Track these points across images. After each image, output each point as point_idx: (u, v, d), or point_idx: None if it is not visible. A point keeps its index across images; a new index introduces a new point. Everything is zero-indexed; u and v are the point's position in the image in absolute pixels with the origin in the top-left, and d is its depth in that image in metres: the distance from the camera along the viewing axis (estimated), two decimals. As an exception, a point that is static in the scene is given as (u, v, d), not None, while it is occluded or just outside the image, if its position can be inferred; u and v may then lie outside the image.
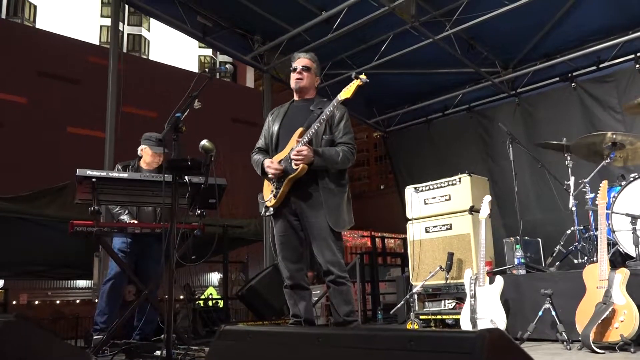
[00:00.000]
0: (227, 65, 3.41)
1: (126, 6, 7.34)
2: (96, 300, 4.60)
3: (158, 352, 3.49)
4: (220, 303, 7.33)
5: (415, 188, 5.46)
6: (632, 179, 4.30)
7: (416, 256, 5.25)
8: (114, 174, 3.64)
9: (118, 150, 6.02)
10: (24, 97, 24.52)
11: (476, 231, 4.65)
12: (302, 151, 3.25)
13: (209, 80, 3.18)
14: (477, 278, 4.14)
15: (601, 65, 7.29)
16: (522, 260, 4.56)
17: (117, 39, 6.74)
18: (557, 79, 7.73)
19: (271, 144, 3.57)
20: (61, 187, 6.01)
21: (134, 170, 4.49)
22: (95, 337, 4.07)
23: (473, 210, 4.90)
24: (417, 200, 5.39)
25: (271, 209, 3.43)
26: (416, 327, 4.87)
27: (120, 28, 6.78)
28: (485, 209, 4.35)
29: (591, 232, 4.49)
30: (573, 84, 7.46)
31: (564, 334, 3.62)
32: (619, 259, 4.23)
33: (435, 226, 5.16)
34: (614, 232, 4.23)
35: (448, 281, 4.86)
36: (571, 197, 4.67)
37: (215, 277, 23.55)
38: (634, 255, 3.96)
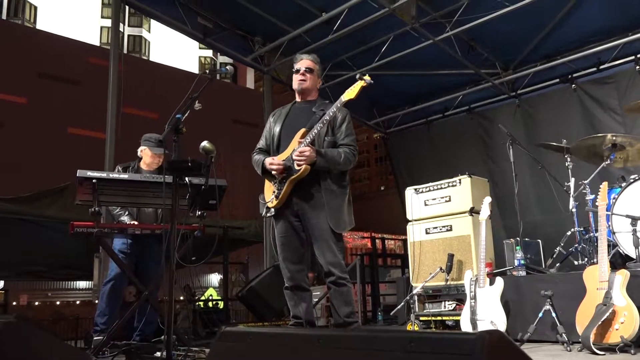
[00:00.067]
0: (227, 67, 3.39)
1: (127, 7, 7.35)
2: (96, 301, 4.60)
3: (158, 353, 3.49)
4: (221, 304, 7.32)
5: (415, 189, 5.46)
6: (632, 180, 4.31)
7: (416, 257, 5.25)
8: (115, 175, 3.64)
9: (118, 151, 6.02)
10: (25, 98, 24.53)
11: (476, 232, 4.65)
12: (305, 152, 3.25)
13: (210, 82, 3.18)
14: (477, 279, 4.14)
15: (601, 67, 7.29)
16: (522, 262, 4.56)
17: (117, 40, 6.75)
18: (558, 80, 7.74)
19: (272, 145, 3.57)
20: (62, 188, 6.02)
21: (134, 172, 4.50)
22: (95, 338, 4.07)
23: (473, 211, 4.90)
24: (417, 201, 5.39)
25: (272, 209, 3.43)
26: (416, 328, 4.87)
27: (121, 29, 6.79)
28: (485, 210, 4.35)
29: (591, 234, 4.49)
30: (573, 86, 7.47)
31: (564, 335, 3.62)
32: (619, 261, 4.23)
33: (436, 227, 5.16)
34: (614, 233, 4.23)
35: (448, 282, 4.86)
36: (571, 199, 4.67)
37: (215, 278, 23.55)
38: (634, 256, 3.96)
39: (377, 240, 11.14)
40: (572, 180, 4.72)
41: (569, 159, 4.85)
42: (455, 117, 8.95)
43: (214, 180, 3.16)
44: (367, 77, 3.31)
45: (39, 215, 5.86)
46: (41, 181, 12.20)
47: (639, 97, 5.38)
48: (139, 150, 4.65)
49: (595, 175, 4.60)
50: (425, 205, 5.32)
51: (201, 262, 3.68)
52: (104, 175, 3.53)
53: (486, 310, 4.00)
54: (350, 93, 3.33)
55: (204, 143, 3.05)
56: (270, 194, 3.45)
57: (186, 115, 3.06)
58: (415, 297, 4.96)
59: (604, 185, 3.79)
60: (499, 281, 4.09)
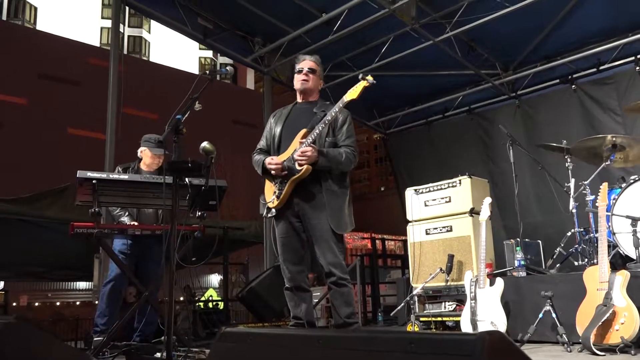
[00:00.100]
0: (227, 68, 3.39)
1: (127, 8, 7.35)
2: (96, 302, 4.60)
3: (158, 354, 3.49)
4: (221, 305, 7.32)
5: (415, 190, 5.47)
6: (632, 181, 4.31)
7: (416, 258, 5.25)
8: (115, 176, 3.64)
9: (118, 152, 6.03)
10: (25, 99, 24.53)
11: (476, 233, 4.65)
12: (306, 152, 3.25)
13: (210, 83, 3.19)
14: (477, 280, 4.15)
15: (601, 67, 7.29)
16: (522, 262, 4.56)
17: (117, 41, 6.75)
18: (557, 81, 7.74)
19: (273, 146, 3.57)
20: (62, 188, 6.02)
21: (134, 172, 4.50)
22: (95, 338, 4.07)
23: (473, 212, 4.90)
24: (417, 202, 5.39)
25: (273, 210, 3.43)
26: (416, 329, 4.87)
27: (121, 30, 6.78)
28: (485, 211, 4.35)
29: (591, 234, 4.49)
30: (573, 86, 7.47)
31: (564, 336, 3.62)
32: (619, 261, 4.23)
33: (436, 228, 5.17)
34: (614, 234, 4.23)
35: (448, 283, 4.87)
36: (571, 199, 4.67)
37: (215, 279, 23.55)
38: (634, 257, 3.96)
39: (377, 241, 11.14)
40: (572, 180, 4.72)
41: (569, 160, 4.85)
42: (455, 117, 8.95)
43: (214, 181, 3.16)
44: (369, 77, 3.32)
45: (39, 216, 5.85)
46: (41, 182, 12.20)
47: (638, 98, 5.39)
48: (139, 151, 4.66)
49: (596, 176, 4.60)
50: (426, 205, 5.32)
51: (201, 263, 3.69)
52: (104, 176, 3.53)
53: (486, 311, 4.00)
54: (353, 93, 3.34)
55: (204, 144, 3.06)
56: (270, 194, 3.45)
57: (186, 116, 3.06)
58: (416, 298, 4.96)
59: (604, 186, 3.79)
60: (499, 282, 4.09)
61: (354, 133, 3.56)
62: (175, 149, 3.04)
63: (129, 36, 47.38)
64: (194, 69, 45.72)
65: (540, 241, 5.33)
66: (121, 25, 6.86)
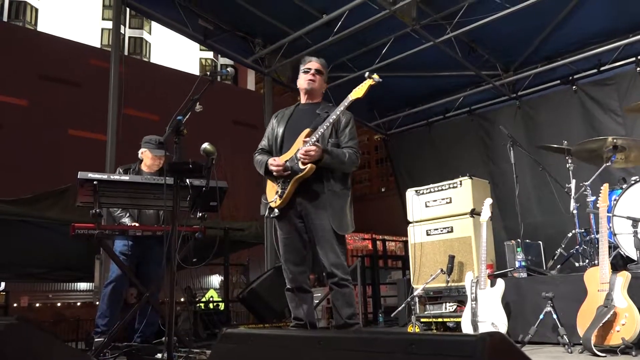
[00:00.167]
0: (228, 69, 3.39)
1: (127, 9, 7.35)
2: (97, 303, 4.60)
3: (159, 355, 3.49)
4: (221, 306, 7.31)
5: (416, 191, 5.47)
6: (633, 182, 4.31)
7: (417, 259, 5.25)
8: (116, 177, 3.65)
9: (119, 153, 6.03)
10: (25, 100, 24.55)
11: (477, 234, 4.65)
12: (310, 151, 3.26)
13: (211, 84, 3.19)
14: (478, 281, 4.14)
15: (602, 68, 7.29)
16: (523, 263, 4.56)
17: (118, 42, 6.76)
18: (558, 81, 7.74)
19: (275, 146, 3.58)
20: (63, 189, 6.03)
21: (135, 173, 4.51)
22: (96, 339, 4.07)
23: (474, 213, 4.90)
24: (418, 203, 5.39)
25: (276, 210, 3.43)
26: (417, 330, 4.87)
27: (122, 31, 6.79)
28: (486, 212, 4.35)
29: (592, 235, 4.49)
30: (574, 87, 7.47)
31: (565, 337, 3.62)
32: (620, 262, 4.23)
33: (437, 229, 5.17)
34: (615, 235, 4.23)
35: (449, 284, 4.87)
36: (572, 200, 4.66)
37: (216, 280, 23.55)
38: (635, 258, 3.96)
39: (377, 242, 11.13)
40: (573, 181, 4.72)
41: (569, 161, 4.85)
42: (456, 118, 8.95)
43: (214, 181, 3.17)
44: (375, 76, 3.34)
45: (40, 216, 5.86)
46: (42, 183, 12.21)
47: (639, 99, 5.38)
48: (139, 152, 4.66)
49: (596, 176, 4.60)
50: (426, 206, 5.32)
51: (202, 264, 3.69)
52: (104, 177, 3.54)
53: (487, 312, 4.00)
54: (358, 92, 3.36)
55: (205, 145, 3.06)
56: (273, 194, 3.44)
57: (187, 117, 3.07)
58: (416, 299, 4.96)
59: (605, 187, 3.78)
60: (500, 283, 4.09)
61: (356, 136, 3.57)
62: (176, 150, 3.05)
63: (129, 37, 47.40)
64: (195, 70, 45.76)
65: (541, 242, 5.33)
66: (122, 27, 6.86)
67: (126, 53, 40.80)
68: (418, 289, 4.98)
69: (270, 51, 7.76)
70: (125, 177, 3.72)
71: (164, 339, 3.09)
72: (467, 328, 4.10)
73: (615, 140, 4.48)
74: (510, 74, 8.00)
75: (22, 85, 24.12)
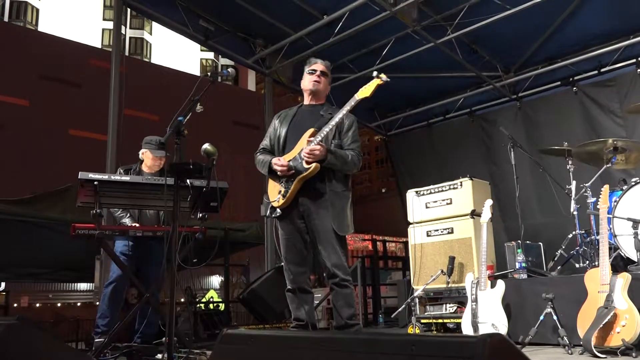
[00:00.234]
0: (229, 69, 3.40)
1: (128, 10, 7.36)
2: (97, 303, 4.60)
3: (159, 355, 3.50)
4: (222, 306, 7.31)
5: (416, 192, 5.47)
6: (633, 183, 4.31)
7: (417, 260, 5.25)
8: (116, 177, 3.65)
9: (120, 154, 6.03)
10: (26, 100, 24.55)
11: (477, 235, 4.66)
12: (315, 150, 3.27)
13: (211, 84, 3.19)
14: (478, 282, 4.15)
15: (602, 70, 7.29)
16: (523, 265, 4.56)
17: (119, 42, 6.76)
18: (559, 83, 7.75)
19: (278, 146, 3.58)
20: (63, 189, 6.02)
21: (136, 174, 4.52)
22: (96, 340, 4.07)
23: (474, 214, 4.91)
24: (418, 204, 5.39)
25: (278, 210, 3.43)
26: (417, 331, 4.87)
27: (122, 31, 6.78)
28: (486, 213, 4.36)
29: (592, 237, 4.49)
30: (574, 88, 7.47)
31: (565, 338, 3.62)
32: (620, 264, 4.23)
33: (437, 230, 5.17)
34: (615, 236, 4.23)
35: (449, 285, 4.87)
36: (572, 201, 4.67)
37: (216, 280, 23.55)
38: (635, 259, 3.96)
39: (378, 243, 11.14)
40: (574, 183, 4.73)
41: (570, 162, 4.85)
42: (457, 119, 8.95)
43: (215, 182, 3.17)
44: (383, 76, 3.34)
45: (41, 217, 5.85)
46: (42, 183, 12.22)
47: (639, 100, 5.39)
48: (140, 152, 4.66)
49: (597, 178, 4.60)
50: (427, 207, 5.32)
51: (202, 265, 3.69)
52: (105, 177, 3.54)
53: (487, 313, 4.00)
54: (365, 91, 3.37)
55: (206, 145, 3.06)
56: (275, 193, 3.45)
57: (188, 117, 3.07)
58: (417, 300, 4.96)
59: (605, 188, 3.79)
60: (500, 284, 4.10)
61: (359, 139, 3.59)
62: (176, 151, 3.05)
63: (130, 38, 47.40)
64: (195, 71, 45.75)
65: (541, 243, 5.33)
66: (122, 27, 6.86)
67: (127, 53, 40.78)
68: (418, 289, 4.99)
69: (271, 52, 7.76)
70: (126, 178, 3.72)
71: (164, 339, 3.09)
72: (467, 329, 4.10)
73: (615, 142, 4.48)
74: (510, 75, 8.00)
75: (23, 85, 24.11)
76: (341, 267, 3.34)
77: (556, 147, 4.99)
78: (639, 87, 6.85)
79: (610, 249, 3.88)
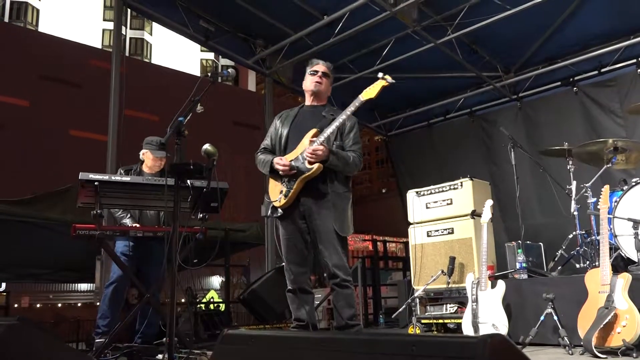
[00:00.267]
0: (229, 70, 3.40)
1: (128, 10, 7.36)
2: (98, 304, 4.60)
3: (160, 356, 3.50)
4: (222, 306, 7.32)
5: (416, 192, 5.47)
6: (633, 183, 4.31)
7: (418, 260, 5.25)
8: (117, 178, 3.65)
9: (120, 154, 6.03)
10: (26, 100, 24.55)
11: (478, 235, 4.66)
12: (318, 150, 3.28)
13: (212, 85, 3.20)
14: (479, 282, 4.15)
15: (603, 70, 7.29)
16: (523, 265, 4.56)
17: (119, 43, 6.76)
18: (559, 83, 7.75)
19: (279, 146, 3.59)
20: (64, 190, 6.02)
21: (137, 174, 4.52)
22: (97, 340, 4.07)
23: (475, 214, 4.90)
24: (418, 204, 5.39)
25: (280, 210, 3.43)
26: (418, 331, 4.87)
27: (123, 32, 6.78)
28: (487, 213, 4.36)
29: (593, 237, 4.49)
30: (575, 89, 7.47)
31: (566, 338, 3.62)
32: (621, 264, 4.24)
33: (437, 230, 5.17)
34: (615, 236, 4.23)
35: (450, 285, 4.87)
36: (573, 202, 4.67)
37: (216, 281, 23.54)
38: (636, 259, 3.96)
39: (378, 243, 11.14)
40: (574, 183, 4.73)
41: (570, 162, 4.85)
42: (457, 120, 8.95)
43: (215, 182, 3.17)
44: (388, 77, 3.35)
45: (41, 217, 5.85)
46: (43, 183, 12.20)
47: (640, 100, 5.38)
48: (141, 153, 4.67)
49: (597, 178, 4.60)
50: (427, 208, 5.32)
51: (203, 265, 3.69)
52: (106, 177, 3.54)
53: (488, 313, 4.00)
54: (370, 92, 3.38)
55: (206, 146, 3.07)
56: (277, 193, 3.45)
57: (188, 118, 3.07)
58: (417, 300, 4.96)
59: (606, 189, 3.79)
60: (501, 284, 4.10)
61: (360, 141, 3.60)
62: (177, 151, 3.05)
63: (130, 38, 47.40)
64: (196, 71, 45.73)
65: (541, 243, 5.33)
66: (123, 27, 6.86)
67: (127, 54, 40.80)
68: (419, 290, 4.98)
69: (271, 52, 7.76)
70: (127, 178, 3.73)
71: (164, 339, 3.09)
72: (467, 329, 4.10)
73: (615, 142, 4.49)
74: (511, 76, 8.00)
75: (23, 86, 24.11)
76: (342, 268, 3.35)
77: (557, 147, 4.98)
78: (639, 87, 6.85)
79: (610, 249, 3.88)
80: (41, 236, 6.25)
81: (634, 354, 3.16)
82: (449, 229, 5.10)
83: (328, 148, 3.32)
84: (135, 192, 3.69)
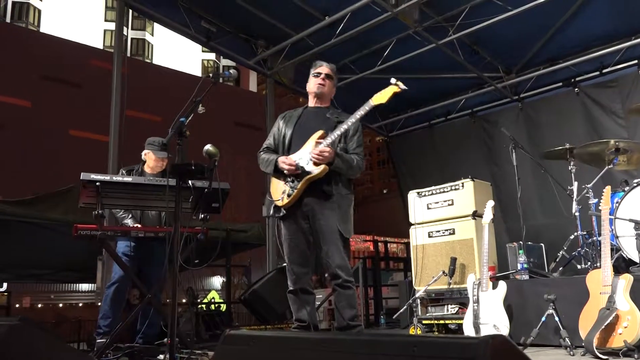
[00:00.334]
0: (231, 71, 3.40)
1: (130, 11, 7.36)
2: (99, 304, 4.61)
3: (161, 356, 3.51)
4: (223, 307, 7.33)
5: (418, 193, 5.47)
6: (635, 184, 4.31)
7: (419, 261, 5.25)
8: (118, 178, 3.66)
9: (121, 154, 6.04)
10: (28, 101, 24.58)
11: (479, 236, 4.65)
12: (325, 152, 3.29)
13: (213, 85, 3.20)
14: (480, 283, 4.14)
15: (604, 71, 7.28)
16: (525, 266, 4.56)
17: (121, 43, 6.76)
18: (560, 84, 7.74)
19: (283, 146, 3.59)
20: (65, 190, 6.03)
21: (138, 175, 4.52)
22: (98, 340, 4.08)
23: (476, 215, 4.90)
24: (420, 204, 5.39)
25: (283, 210, 3.44)
26: (419, 332, 4.87)
27: (124, 32, 6.78)
28: (488, 214, 4.35)
29: (594, 238, 4.48)
30: (576, 89, 7.46)
31: (567, 339, 3.62)
32: (622, 265, 4.23)
33: (438, 231, 5.17)
34: (617, 237, 4.23)
35: (451, 286, 4.86)
36: (574, 202, 4.67)
37: (217, 281, 23.53)
38: (637, 260, 3.96)
39: (379, 244, 11.13)
40: (575, 184, 4.72)
41: (572, 163, 4.85)
42: (458, 120, 8.95)
43: (217, 183, 3.17)
44: (400, 83, 3.37)
45: (42, 217, 5.86)
46: (44, 184, 12.22)
47: (642, 101, 5.38)
48: (142, 153, 4.67)
49: (599, 179, 4.60)
50: (428, 208, 5.32)
51: (204, 265, 3.69)
52: (107, 178, 3.55)
53: (489, 314, 4.00)
54: (381, 97, 3.41)
55: (208, 146, 3.07)
56: (279, 193, 3.45)
57: (190, 118, 3.08)
58: (418, 301, 4.96)
59: (607, 189, 3.79)
60: (502, 285, 4.09)
61: (363, 144, 3.61)
62: (178, 152, 3.06)
63: (132, 39, 47.43)
64: (197, 72, 45.75)
65: (542, 244, 5.33)
66: (124, 28, 6.86)
67: (128, 54, 40.80)
68: (420, 290, 4.98)
69: (273, 53, 7.76)
70: (128, 179, 3.73)
71: (166, 340, 3.09)
72: (469, 330, 4.10)
73: (617, 143, 4.48)
74: (512, 76, 8.00)
75: (25, 86, 24.14)
76: (344, 268, 3.35)
77: (559, 148, 4.97)
78: (641, 87, 6.85)
79: (612, 250, 3.87)
80: (43, 236, 6.25)
81: (636, 355, 3.16)
82: (450, 229, 5.09)
83: (334, 150, 3.33)
84: (137, 193, 3.70)
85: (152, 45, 49.96)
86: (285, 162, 3.40)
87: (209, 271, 19.77)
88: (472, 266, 4.80)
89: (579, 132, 7.19)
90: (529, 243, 5.06)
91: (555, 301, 3.76)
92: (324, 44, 7.05)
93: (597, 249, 4.28)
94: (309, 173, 3.33)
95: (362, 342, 1.42)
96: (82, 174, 3.47)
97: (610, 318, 3.27)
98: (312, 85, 3.68)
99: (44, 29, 41.28)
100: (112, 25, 36.72)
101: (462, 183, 5.13)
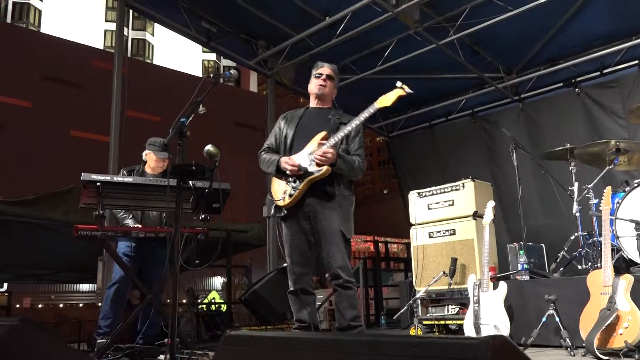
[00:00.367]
0: (231, 71, 3.40)
1: (130, 11, 7.36)
2: (100, 304, 4.61)
3: (162, 357, 3.51)
4: (224, 307, 7.32)
5: (418, 193, 5.47)
6: (636, 184, 4.31)
7: (419, 261, 5.24)
8: (119, 179, 3.66)
9: (122, 155, 6.04)
10: (28, 101, 24.60)
11: (480, 236, 4.65)
12: (328, 153, 3.30)
13: (214, 86, 3.20)
14: (480, 283, 4.14)
15: (605, 71, 7.28)
16: (525, 266, 4.56)
17: (121, 44, 6.76)
18: (561, 84, 7.74)
19: (284, 147, 3.60)
20: (66, 190, 6.03)
21: (139, 175, 4.53)
22: (98, 340, 4.08)
23: (477, 215, 4.90)
24: (420, 205, 5.39)
25: (284, 210, 3.44)
26: (419, 332, 4.87)
27: (125, 33, 6.79)
28: (488, 214, 4.35)
29: (595, 238, 4.48)
30: (577, 90, 7.46)
31: (567, 340, 3.62)
32: (623, 265, 4.23)
33: (439, 231, 5.17)
34: (617, 238, 4.22)
35: (451, 286, 4.86)
36: (575, 203, 4.67)
37: (218, 281, 23.54)
38: (638, 261, 3.96)
39: (380, 244, 11.13)
40: (576, 184, 4.72)
41: (572, 163, 4.85)
42: (459, 120, 8.94)
43: (217, 183, 3.18)
44: (406, 87, 3.38)
45: (43, 218, 5.87)
46: (44, 184, 12.23)
47: (642, 102, 5.37)
48: (143, 154, 4.67)
49: (599, 179, 4.60)
50: (429, 209, 5.32)
51: (205, 266, 3.70)
52: (108, 178, 3.55)
53: (490, 315, 4.00)
54: (386, 100, 3.42)
55: (208, 147, 3.07)
56: (280, 193, 3.45)
57: (190, 119, 3.08)
58: (419, 301, 4.96)
59: (608, 190, 3.78)
60: (503, 285, 4.09)
61: (364, 144, 3.61)
62: (179, 152, 3.06)
63: (132, 39, 47.45)
64: (198, 72, 45.78)
65: (543, 245, 5.32)
66: (125, 28, 6.86)
67: (129, 55, 40.81)
68: (420, 291, 4.98)
69: (273, 53, 7.76)
70: (129, 179, 3.74)
71: (166, 340, 3.09)
72: (469, 331, 4.10)
73: (618, 143, 4.48)
74: (513, 77, 7.99)
75: (25, 87, 24.16)
76: (345, 269, 3.36)
77: (559, 148, 4.97)
78: (642, 88, 6.84)
79: (612, 250, 3.87)
80: (43, 237, 6.26)
81: (636, 356, 3.16)
82: (450, 230, 5.09)
83: (337, 151, 3.33)
84: (138, 193, 3.70)
85: (152, 45, 49.98)
86: (287, 162, 3.40)
87: (209, 271, 19.79)
88: (472, 267, 4.80)
89: (579, 132, 7.19)
90: (530, 243, 5.06)
91: (555, 302, 3.76)
92: (325, 45, 7.05)
93: (597, 249, 4.27)
94: (311, 174, 3.33)
95: (362, 343, 1.42)
96: (82, 174, 3.47)
97: (611, 318, 3.27)
98: (314, 86, 3.68)
99: (45, 29, 41.30)
100: (112, 26, 36.70)
101: (463, 183, 5.13)
